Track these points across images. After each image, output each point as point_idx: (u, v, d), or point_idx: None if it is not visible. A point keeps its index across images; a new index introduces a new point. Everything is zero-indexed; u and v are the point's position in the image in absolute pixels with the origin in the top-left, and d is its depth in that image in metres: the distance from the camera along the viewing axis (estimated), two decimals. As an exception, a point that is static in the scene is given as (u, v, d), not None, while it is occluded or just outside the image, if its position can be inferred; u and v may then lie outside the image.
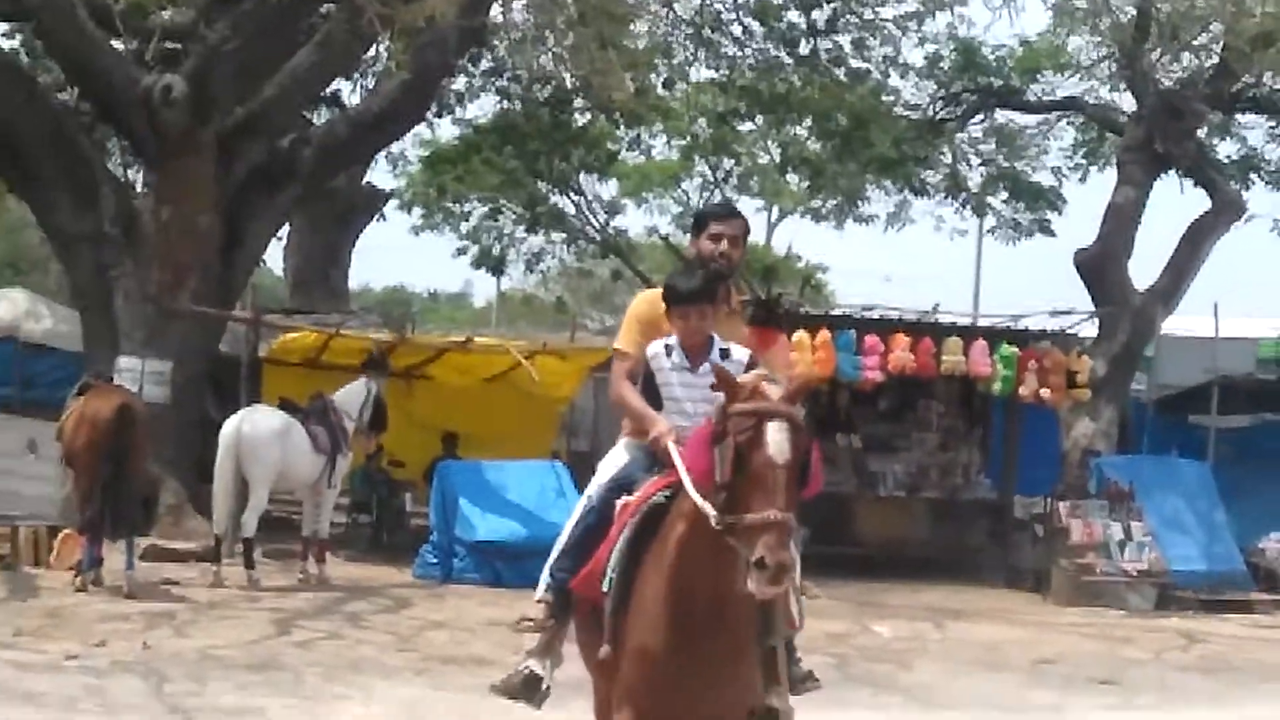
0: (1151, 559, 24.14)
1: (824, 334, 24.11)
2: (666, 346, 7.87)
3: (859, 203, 38.25)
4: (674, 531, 7.12)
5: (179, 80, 23.46)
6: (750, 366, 7.60)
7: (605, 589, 7.36)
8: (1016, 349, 25.01)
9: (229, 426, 20.41)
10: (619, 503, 7.68)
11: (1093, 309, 28.74)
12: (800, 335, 23.61)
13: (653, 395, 7.89)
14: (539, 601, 8.07)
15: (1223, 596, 23.82)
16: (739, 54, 33.39)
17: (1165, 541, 24.36)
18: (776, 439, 6.63)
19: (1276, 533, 25.51)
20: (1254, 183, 32.89)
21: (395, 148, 37.07)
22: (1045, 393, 25.08)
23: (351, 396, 21.59)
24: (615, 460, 8.14)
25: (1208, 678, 17.82)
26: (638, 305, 8.47)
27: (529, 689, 8.03)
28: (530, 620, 8.18)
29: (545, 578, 8.06)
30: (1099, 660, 18.39)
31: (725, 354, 7.72)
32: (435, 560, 22.16)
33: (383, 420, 22.33)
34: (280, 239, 34.27)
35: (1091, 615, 22.51)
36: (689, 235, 8.82)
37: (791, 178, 42.42)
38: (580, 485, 11.76)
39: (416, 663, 15.58)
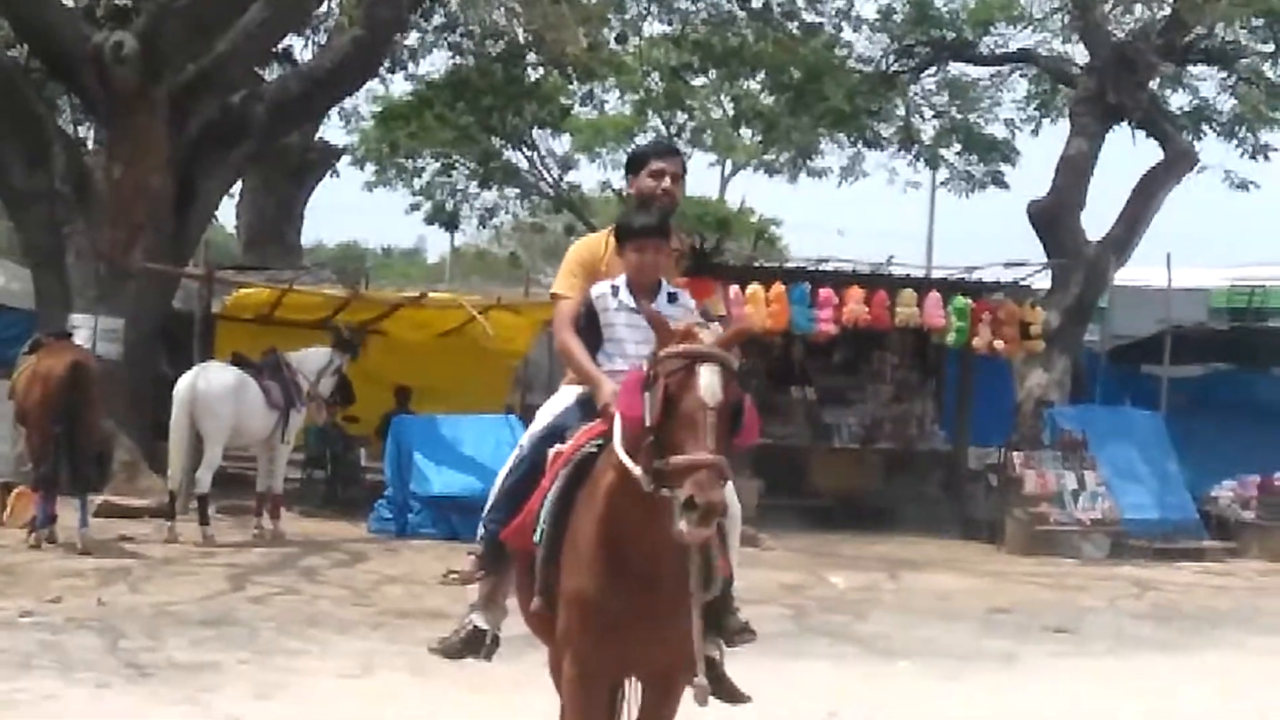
0: (1105, 508, 24.32)
1: (778, 287, 24.16)
2: (613, 287, 7.65)
3: (812, 156, 38.15)
4: (603, 481, 6.94)
5: (130, 37, 23.27)
6: (703, 314, 7.29)
7: (537, 540, 7.19)
8: (970, 301, 25.11)
9: (183, 383, 20.33)
10: (551, 452, 7.51)
11: (1046, 260, 28.85)
12: (754, 288, 23.69)
13: (595, 336, 7.70)
14: (469, 554, 7.91)
15: (1175, 545, 24.04)
16: (691, 8, 33.31)
17: (1118, 491, 24.55)
18: (707, 380, 6.44)
19: (1228, 481, 25.70)
20: (1205, 134, 32.87)
21: (348, 104, 36.91)
22: (999, 344, 25.19)
23: (311, 359, 21.60)
24: (554, 407, 7.91)
25: (1161, 625, 17.94)
26: (578, 249, 8.29)
27: (472, 645, 7.89)
28: (457, 573, 8.07)
29: (479, 529, 7.88)
30: (1053, 609, 18.50)
31: (673, 298, 7.53)
32: (390, 515, 22.18)
33: (348, 395, 22.50)
34: (233, 196, 34.16)
35: (1045, 564, 22.64)
36: (625, 176, 8.68)
37: (745, 132, 42.43)
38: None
39: (372, 617, 15.58)
